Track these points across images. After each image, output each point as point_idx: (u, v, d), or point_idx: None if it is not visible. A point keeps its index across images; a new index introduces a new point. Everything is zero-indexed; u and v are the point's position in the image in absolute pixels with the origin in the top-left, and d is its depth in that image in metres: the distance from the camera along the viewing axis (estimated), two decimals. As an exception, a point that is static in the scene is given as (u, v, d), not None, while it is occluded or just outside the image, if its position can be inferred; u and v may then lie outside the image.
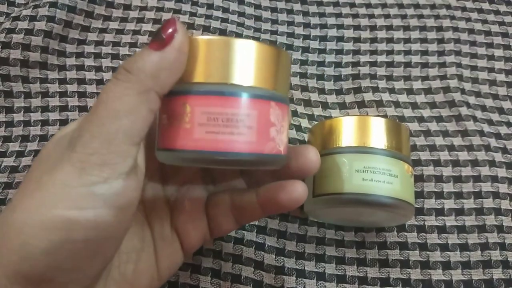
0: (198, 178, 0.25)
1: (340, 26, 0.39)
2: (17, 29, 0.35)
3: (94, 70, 0.36)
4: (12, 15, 0.36)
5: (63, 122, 0.34)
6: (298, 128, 0.34)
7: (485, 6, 0.40)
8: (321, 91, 0.37)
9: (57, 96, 0.35)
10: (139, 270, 0.22)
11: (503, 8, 0.40)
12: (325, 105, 0.36)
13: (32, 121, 0.35)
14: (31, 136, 0.34)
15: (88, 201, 0.17)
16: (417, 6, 0.40)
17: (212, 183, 0.26)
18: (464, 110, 0.35)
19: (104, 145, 0.17)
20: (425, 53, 0.38)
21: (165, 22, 0.19)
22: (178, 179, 0.25)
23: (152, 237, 0.24)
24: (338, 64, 0.38)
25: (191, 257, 0.30)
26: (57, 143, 0.19)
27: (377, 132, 0.27)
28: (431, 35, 0.39)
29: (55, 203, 0.17)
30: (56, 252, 0.17)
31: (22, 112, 0.35)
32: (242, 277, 0.29)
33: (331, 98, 0.36)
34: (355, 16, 0.40)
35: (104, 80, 0.36)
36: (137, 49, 0.37)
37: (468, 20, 0.40)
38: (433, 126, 0.35)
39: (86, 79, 0.36)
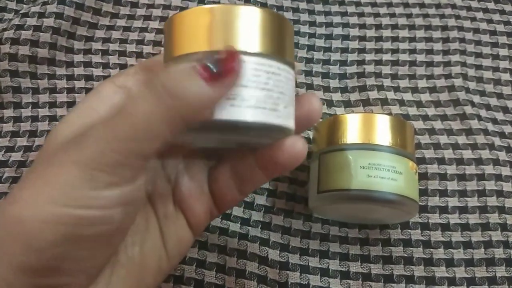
0: (197, 152, 0.25)
1: (345, 25, 0.40)
2: (25, 26, 0.36)
3: (101, 67, 0.37)
4: (21, 11, 0.37)
5: (71, 118, 0.35)
6: (303, 126, 0.35)
7: (491, 5, 0.40)
8: (326, 89, 0.37)
9: (65, 92, 0.36)
10: (145, 251, 0.22)
11: (508, 7, 0.40)
12: (330, 103, 0.36)
13: (40, 116, 0.35)
14: (38, 131, 0.34)
15: (96, 201, 0.17)
16: (422, 5, 0.40)
17: (212, 156, 0.25)
18: (468, 109, 0.35)
19: (119, 161, 0.17)
20: (430, 52, 0.38)
21: (228, 54, 0.18)
22: (177, 155, 0.24)
23: (156, 216, 0.23)
24: (343, 63, 0.38)
25: (196, 251, 0.30)
26: (65, 140, 0.19)
27: (382, 129, 0.28)
28: (436, 34, 0.39)
29: (62, 201, 0.17)
30: (63, 245, 0.17)
31: (30, 107, 0.35)
32: (247, 272, 0.30)
33: (336, 96, 0.36)
34: (361, 14, 0.40)
35: (112, 76, 0.36)
36: (144, 47, 0.38)
37: (473, 19, 0.40)
38: (438, 125, 0.35)
39: (94, 76, 0.36)
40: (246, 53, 0.18)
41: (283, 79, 0.19)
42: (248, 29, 0.18)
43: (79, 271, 0.19)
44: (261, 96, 0.18)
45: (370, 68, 0.37)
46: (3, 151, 0.34)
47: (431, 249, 0.31)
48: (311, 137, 0.34)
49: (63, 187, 0.17)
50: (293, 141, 0.20)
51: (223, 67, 0.17)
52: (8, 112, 0.35)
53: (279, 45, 0.19)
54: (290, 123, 0.20)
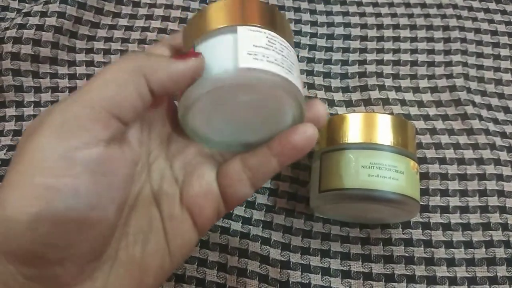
0: (205, 152, 0.25)
1: (347, 25, 0.40)
2: (28, 25, 0.36)
3: (103, 66, 0.37)
4: (23, 11, 0.37)
5: (73, 117, 0.35)
6: (305, 125, 0.35)
7: (492, 5, 0.41)
8: (328, 88, 0.37)
9: (67, 91, 0.36)
10: (147, 251, 0.22)
11: (509, 7, 0.40)
12: (331, 103, 0.36)
13: (42, 115, 0.35)
14: (41, 130, 0.35)
15: (66, 166, 0.17)
16: (424, 5, 0.40)
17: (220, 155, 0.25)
18: (470, 109, 0.35)
19: (85, 110, 0.18)
20: (431, 52, 0.38)
21: (191, 52, 0.21)
22: (185, 155, 0.24)
23: (161, 217, 0.23)
24: (344, 62, 0.38)
25: (198, 250, 0.30)
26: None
27: (384, 128, 0.28)
28: (438, 34, 0.39)
29: (33, 171, 0.17)
30: (39, 225, 0.17)
31: (32, 106, 0.35)
32: (248, 271, 0.30)
33: (338, 96, 0.36)
34: (362, 14, 0.40)
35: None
36: (146, 46, 0.38)
37: (475, 19, 0.40)
38: (439, 125, 0.35)
39: (96, 75, 0.37)
40: (261, 26, 0.21)
41: (292, 54, 0.22)
42: (260, 12, 0.22)
43: (66, 260, 0.18)
44: (279, 57, 0.21)
45: (371, 68, 0.38)
46: (5, 149, 0.34)
47: (432, 249, 0.31)
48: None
49: (33, 155, 0.17)
50: (306, 126, 0.22)
51: (189, 53, 0.20)
52: (10, 111, 0.35)
53: (284, 28, 0.22)
54: (301, 91, 0.22)
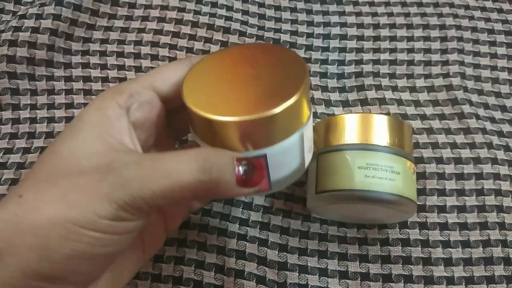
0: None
1: (343, 24, 0.40)
2: (23, 27, 0.36)
3: (99, 68, 0.37)
4: (18, 13, 0.37)
5: (69, 119, 0.35)
6: (301, 126, 0.35)
7: (488, 4, 0.40)
8: (324, 89, 0.37)
9: (63, 94, 0.36)
10: (127, 253, 0.24)
11: (506, 6, 0.40)
12: (328, 103, 0.36)
13: (38, 118, 0.35)
14: (37, 133, 0.34)
15: (113, 229, 0.19)
16: (420, 4, 0.40)
17: None
18: (466, 108, 0.35)
19: (143, 204, 0.19)
20: (428, 51, 0.38)
21: (258, 166, 0.21)
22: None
23: None
24: (341, 62, 0.38)
25: (195, 252, 0.30)
26: (87, 163, 0.20)
27: (380, 129, 0.28)
28: (434, 33, 0.39)
29: (85, 224, 0.18)
30: (77, 260, 0.19)
31: (28, 109, 0.35)
32: (246, 273, 0.30)
33: (334, 96, 0.36)
34: (359, 14, 0.40)
35: (109, 77, 0.36)
36: (142, 47, 0.38)
37: (471, 18, 0.40)
38: (436, 124, 0.35)
39: (92, 77, 0.36)
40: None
41: None
42: None
43: (82, 282, 0.20)
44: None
45: (368, 68, 0.37)
46: (2, 153, 0.34)
47: (430, 249, 0.31)
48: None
49: (90, 214, 0.18)
50: None
51: (253, 178, 0.20)
52: (7, 114, 0.35)
53: None
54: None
